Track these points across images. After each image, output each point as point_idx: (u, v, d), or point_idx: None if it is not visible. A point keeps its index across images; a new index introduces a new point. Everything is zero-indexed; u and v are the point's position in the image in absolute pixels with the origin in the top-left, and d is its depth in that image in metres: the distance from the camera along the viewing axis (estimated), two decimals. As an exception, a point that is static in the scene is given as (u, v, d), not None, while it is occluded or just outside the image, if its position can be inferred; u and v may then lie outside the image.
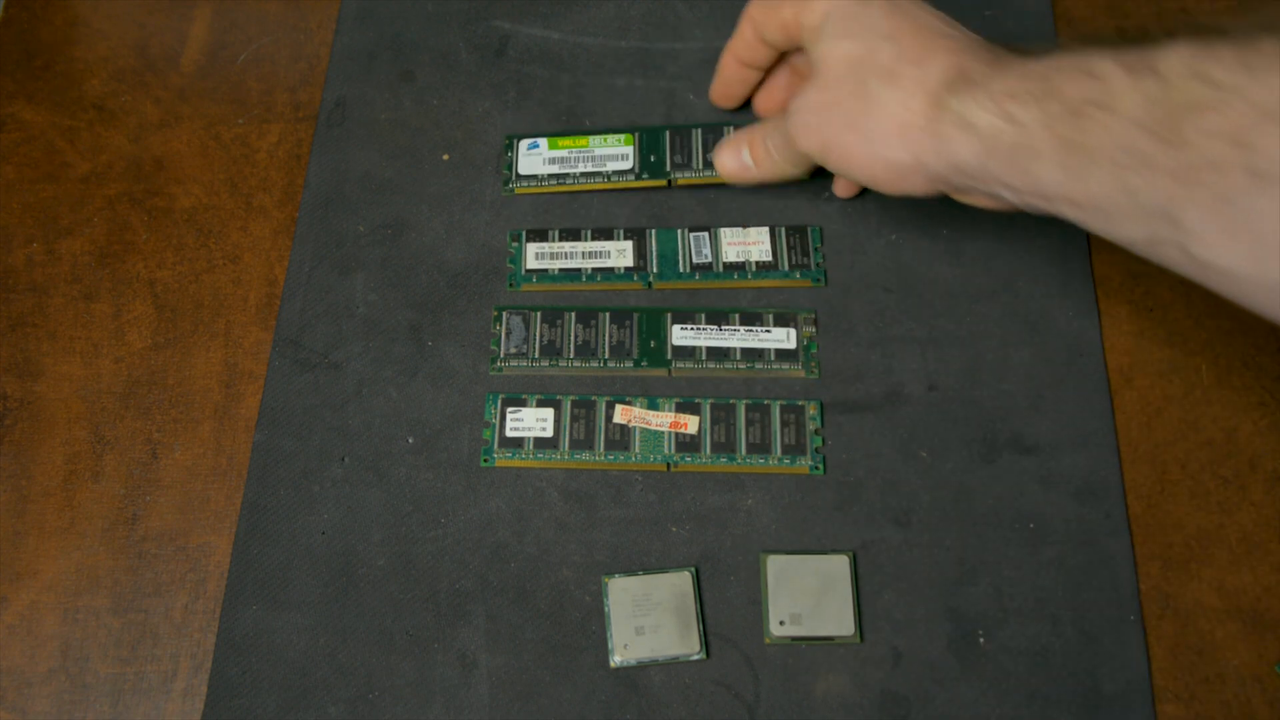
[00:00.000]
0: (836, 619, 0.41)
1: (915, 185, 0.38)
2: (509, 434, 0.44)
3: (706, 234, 0.47)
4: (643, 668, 0.40)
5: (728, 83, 0.48)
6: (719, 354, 0.45)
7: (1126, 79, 0.31)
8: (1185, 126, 0.29)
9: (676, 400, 0.44)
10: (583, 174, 0.48)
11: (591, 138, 0.49)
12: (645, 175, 0.48)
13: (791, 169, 0.44)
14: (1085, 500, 0.42)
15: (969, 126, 0.35)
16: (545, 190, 0.48)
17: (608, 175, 0.48)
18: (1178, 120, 0.29)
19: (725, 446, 0.43)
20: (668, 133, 0.49)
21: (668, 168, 0.48)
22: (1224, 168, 0.28)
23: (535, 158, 0.49)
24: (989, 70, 0.35)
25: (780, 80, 0.47)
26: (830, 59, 0.39)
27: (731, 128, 0.49)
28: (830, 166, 0.40)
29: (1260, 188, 0.27)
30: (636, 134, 0.49)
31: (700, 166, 0.48)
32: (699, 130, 0.49)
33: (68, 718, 0.40)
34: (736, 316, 0.46)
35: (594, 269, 0.47)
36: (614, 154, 0.49)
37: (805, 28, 0.41)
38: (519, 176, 0.48)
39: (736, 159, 0.45)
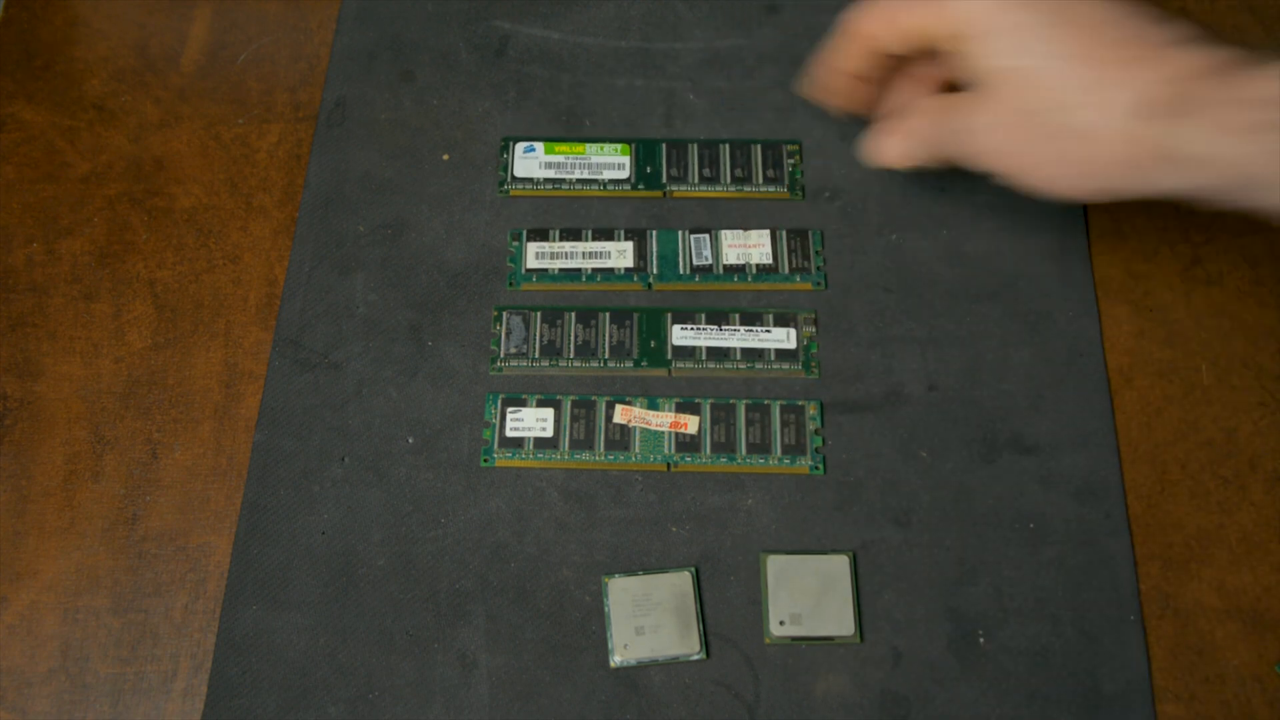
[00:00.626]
0: (836, 619, 0.41)
1: (1124, 197, 0.36)
2: (509, 434, 0.44)
3: (707, 236, 0.47)
4: (643, 668, 0.40)
5: (837, 94, 0.45)
6: (719, 354, 0.45)
7: None
8: None
9: (676, 400, 0.44)
10: (579, 180, 0.48)
11: (588, 145, 0.49)
12: (641, 186, 0.48)
13: (952, 161, 0.42)
14: (1085, 500, 0.42)
15: (1186, 160, 0.32)
16: (541, 194, 0.48)
17: (603, 184, 0.48)
18: None
19: (725, 446, 0.43)
20: (664, 145, 0.49)
21: (663, 180, 0.48)
22: None
23: (531, 161, 0.49)
24: (1207, 92, 0.32)
25: (904, 89, 0.45)
26: (1006, 79, 0.36)
27: (727, 145, 0.49)
28: (1023, 188, 0.38)
29: None
30: (633, 145, 0.49)
31: (696, 180, 0.48)
32: (695, 145, 0.49)
33: (68, 718, 0.40)
34: (736, 316, 0.46)
35: (594, 269, 0.47)
36: (610, 163, 0.49)
37: (951, 37, 0.37)
38: (514, 179, 0.48)
39: (902, 146, 0.43)
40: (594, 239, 0.47)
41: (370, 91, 0.51)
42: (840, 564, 0.41)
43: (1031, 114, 0.36)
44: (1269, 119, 0.30)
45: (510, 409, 0.44)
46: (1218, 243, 0.47)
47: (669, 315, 0.46)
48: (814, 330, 0.45)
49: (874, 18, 0.41)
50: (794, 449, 0.43)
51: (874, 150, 0.44)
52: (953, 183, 0.48)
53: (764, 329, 0.45)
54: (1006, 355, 0.45)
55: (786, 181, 0.48)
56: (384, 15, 0.52)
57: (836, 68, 0.44)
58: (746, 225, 0.48)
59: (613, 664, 0.40)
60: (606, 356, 0.45)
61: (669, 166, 0.49)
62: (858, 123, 0.50)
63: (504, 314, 0.46)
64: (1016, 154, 0.37)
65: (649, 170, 0.49)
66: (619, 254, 0.47)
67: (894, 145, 0.43)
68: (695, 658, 0.40)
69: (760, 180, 0.48)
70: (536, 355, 0.45)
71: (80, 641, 0.41)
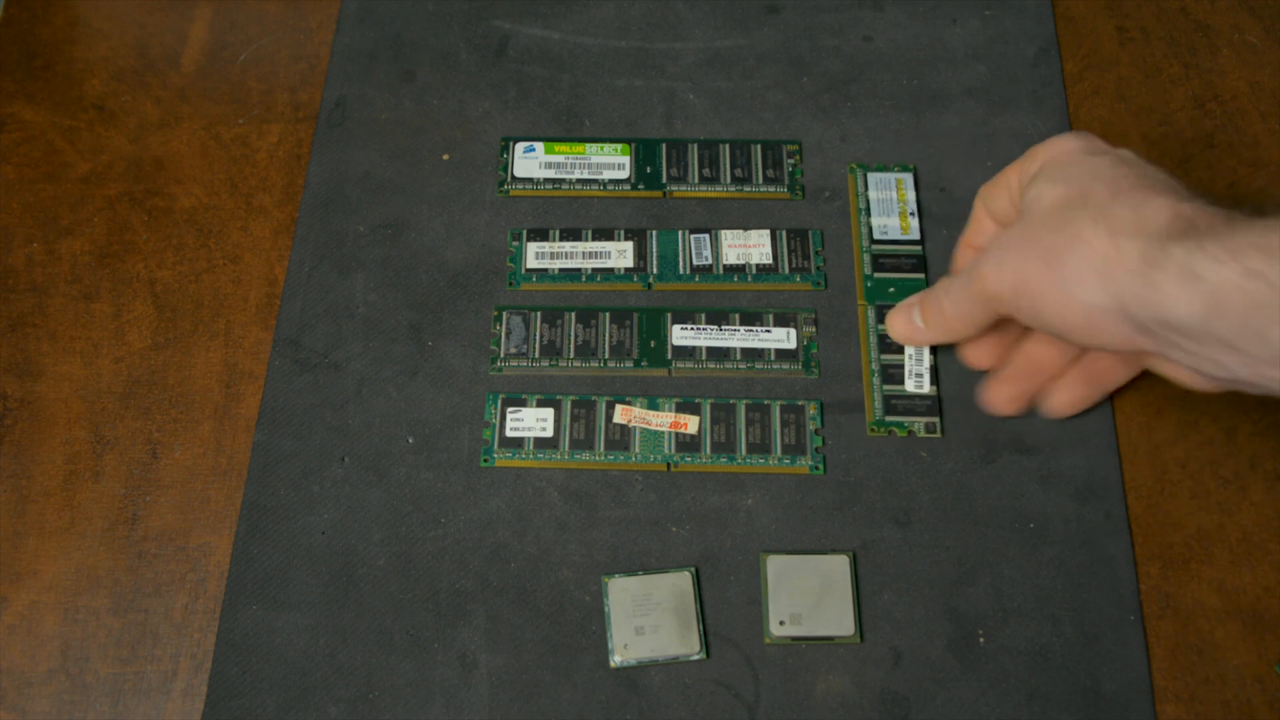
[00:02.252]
0: (836, 619, 0.41)
1: (1113, 337, 0.35)
2: (509, 434, 0.44)
3: (707, 236, 0.47)
4: (643, 668, 0.40)
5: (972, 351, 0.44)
6: (719, 354, 0.45)
7: None
8: None
9: (676, 400, 0.44)
10: (579, 180, 0.48)
11: (588, 145, 0.49)
12: (641, 186, 0.48)
13: (963, 327, 0.41)
14: (1085, 500, 0.42)
15: (1193, 278, 0.31)
16: (541, 194, 0.48)
17: (603, 184, 0.48)
18: None
19: (725, 446, 0.43)
20: (664, 145, 0.49)
21: (663, 179, 0.48)
22: None
23: (531, 161, 0.49)
24: (1224, 224, 0.32)
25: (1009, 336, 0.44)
26: (1040, 199, 0.36)
27: (727, 145, 0.49)
28: (1018, 311, 0.37)
29: None
30: (633, 145, 0.49)
31: (696, 180, 0.48)
32: (695, 145, 0.49)
33: (68, 718, 0.40)
34: (736, 316, 0.46)
35: (594, 269, 0.47)
36: (610, 163, 0.49)
37: (1025, 177, 0.39)
38: (514, 179, 0.48)
39: (908, 321, 0.43)
40: (594, 239, 0.47)
41: (370, 91, 0.51)
42: (840, 564, 0.41)
43: (1060, 222, 0.35)
44: (1261, 268, 0.30)
45: (510, 409, 0.44)
46: (1218, 243, 0.47)
47: (669, 315, 0.46)
48: (814, 330, 0.45)
49: (988, 183, 0.42)
50: (794, 449, 0.43)
51: (889, 325, 0.44)
52: (952, 183, 0.48)
53: (764, 329, 0.45)
54: (1006, 355, 0.45)
55: (786, 181, 0.48)
56: (384, 15, 0.52)
57: (966, 242, 0.44)
58: (746, 225, 0.48)
59: (613, 664, 0.40)
60: (606, 356, 0.45)
61: (669, 166, 0.49)
62: (858, 123, 0.50)
63: (504, 314, 0.46)
64: (1018, 269, 0.36)
65: (649, 170, 0.49)
66: (619, 254, 0.47)
67: (901, 320, 0.44)
68: (695, 658, 0.40)
69: (760, 180, 0.48)
70: (536, 355, 0.45)
71: (80, 641, 0.41)
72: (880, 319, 0.45)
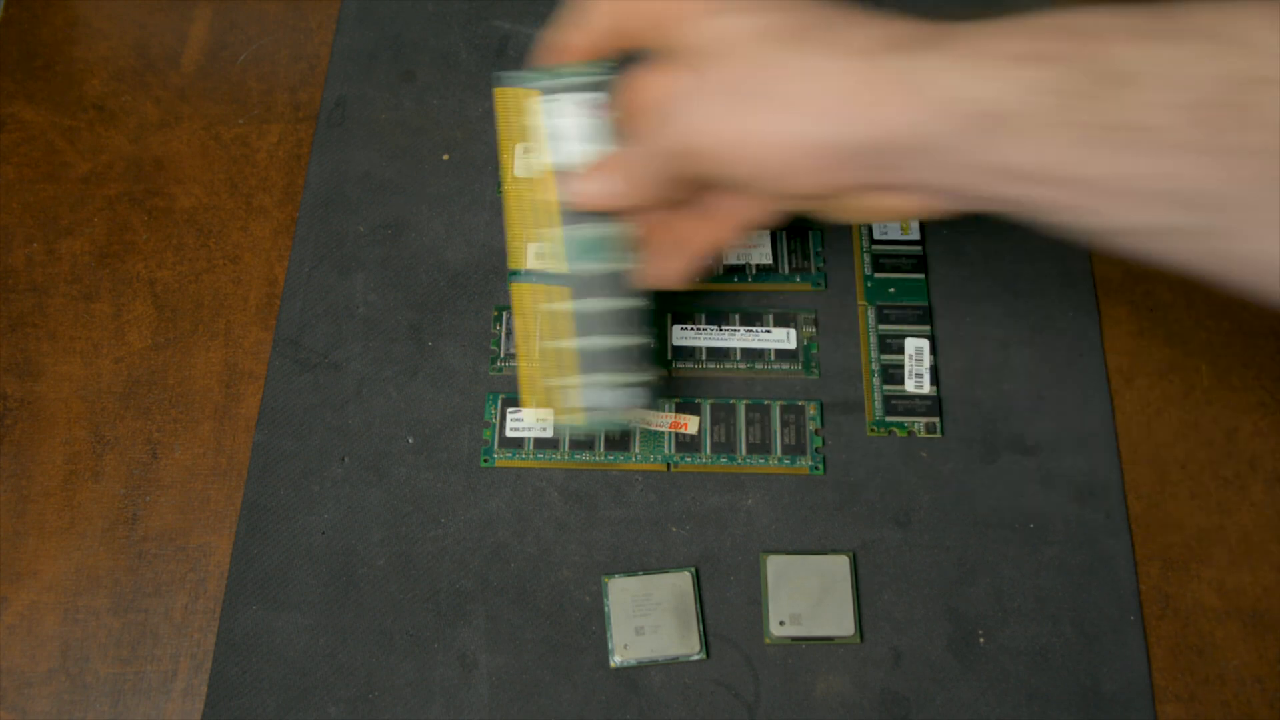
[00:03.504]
0: (836, 619, 0.41)
1: (831, 175, 0.31)
2: (509, 434, 0.44)
3: (706, 234, 0.47)
4: (643, 668, 0.40)
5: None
6: (719, 354, 0.45)
7: (1191, 44, 0.26)
8: (1266, 105, 0.25)
9: (676, 400, 0.44)
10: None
11: None
12: None
13: (672, 186, 0.34)
14: (1085, 500, 0.42)
15: (915, 90, 0.28)
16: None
17: None
18: (1251, 99, 0.25)
19: (725, 446, 0.43)
20: None
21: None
22: None
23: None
24: (945, 31, 0.29)
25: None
26: (724, 36, 0.32)
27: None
28: (714, 166, 0.32)
29: None
30: None
31: None
32: None
33: (68, 718, 0.40)
34: (736, 317, 0.46)
35: (594, 269, 0.47)
36: None
37: (677, 23, 0.33)
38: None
39: (602, 184, 0.36)
40: (594, 239, 0.47)
41: (370, 91, 0.51)
42: (840, 564, 0.41)
43: (741, 66, 0.31)
44: (1042, 49, 0.27)
45: (510, 409, 0.44)
46: (1218, 243, 0.47)
47: (669, 315, 0.46)
48: (814, 330, 0.45)
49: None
50: (794, 449, 0.43)
51: (581, 188, 0.36)
52: (953, 183, 0.48)
53: (764, 329, 0.45)
54: (1006, 355, 0.45)
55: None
56: (384, 15, 0.52)
57: (562, 43, 0.37)
58: (746, 225, 0.48)
59: (613, 664, 0.40)
60: (606, 356, 0.45)
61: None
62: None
63: (504, 314, 0.46)
64: (717, 117, 0.31)
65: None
66: (619, 254, 0.47)
67: (590, 187, 0.36)
68: (695, 658, 0.40)
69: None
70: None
71: (80, 641, 0.41)
72: (880, 319, 0.45)
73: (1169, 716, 0.40)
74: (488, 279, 0.47)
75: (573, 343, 0.36)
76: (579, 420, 0.37)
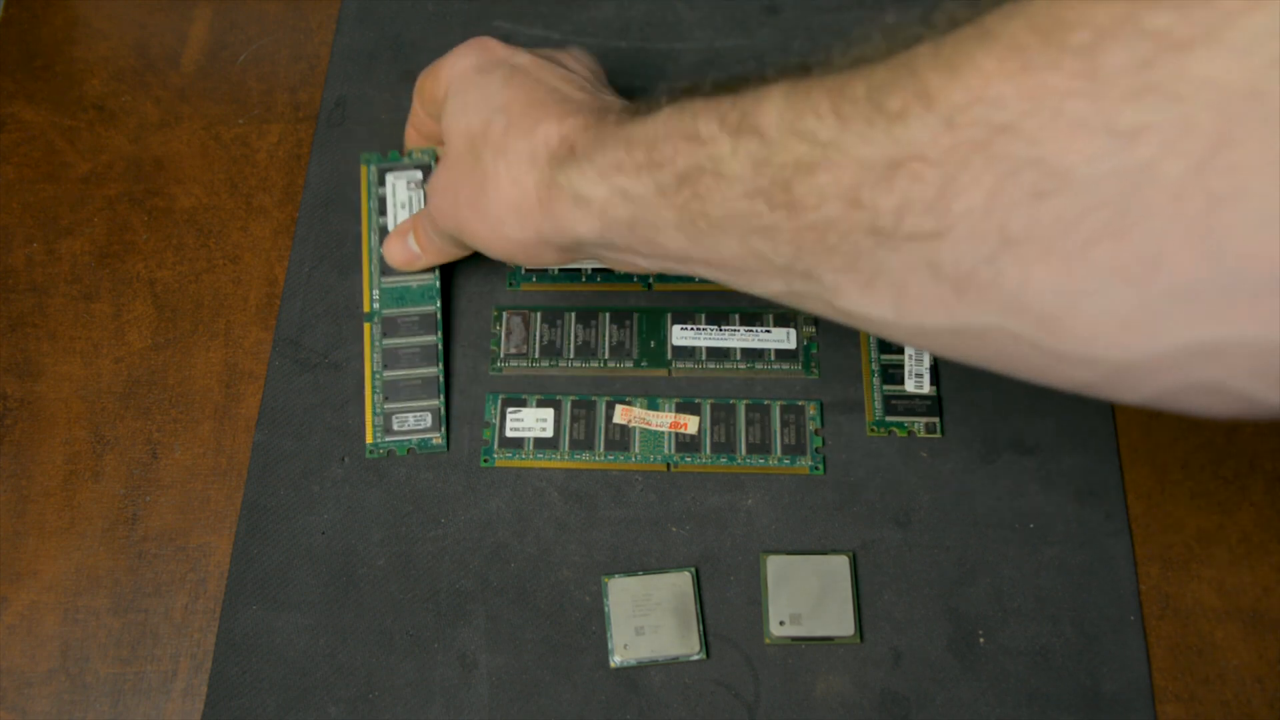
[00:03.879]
0: (836, 619, 0.41)
1: (547, 258, 0.36)
2: (509, 434, 0.44)
3: (706, 234, 0.47)
4: (643, 668, 0.40)
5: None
6: (719, 354, 0.45)
7: (730, 141, 0.29)
8: (797, 189, 0.27)
9: (676, 400, 0.44)
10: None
11: None
12: None
13: (455, 249, 0.43)
14: (1085, 500, 0.42)
15: (581, 201, 0.33)
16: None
17: None
18: (788, 183, 0.27)
19: (725, 446, 0.43)
20: None
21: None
22: (845, 229, 0.26)
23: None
24: (595, 139, 0.33)
25: None
26: (451, 135, 0.38)
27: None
28: (468, 242, 0.39)
29: (886, 244, 0.26)
30: None
31: None
32: None
33: (68, 718, 0.40)
34: (736, 317, 0.46)
35: (594, 269, 0.47)
36: None
37: (436, 101, 0.40)
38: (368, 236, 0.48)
39: (404, 247, 0.44)
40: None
41: (370, 91, 0.51)
42: (840, 564, 0.41)
43: (472, 162, 0.37)
44: (636, 159, 0.31)
45: (510, 409, 0.44)
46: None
47: (669, 315, 0.46)
48: (814, 330, 0.45)
49: (422, 74, 0.43)
50: (794, 449, 0.43)
51: (386, 252, 0.45)
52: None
53: (764, 329, 0.45)
54: (1006, 355, 0.45)
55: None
56: (384, 15, 0.52)
57: (411, 124, 0.46)
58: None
59: (613, 664, 0.40)
60: (606, 356, 0.45)
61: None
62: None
63: (504, 314, 0.46)
64: (453, 211, 0.38)
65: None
66: (619, 254, 0.47)
67: (395, 248, 0.45)
68: (695, 658, 0.40)
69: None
70: (536, 355, 0.45)
71: (80, 641, 0.41)
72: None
73: (1169, 716, 0.40)
74: (488, 279, 0.47)
75: (383, 374, 0.44)
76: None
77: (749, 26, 0.52)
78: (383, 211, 0.46)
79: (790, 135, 0.27)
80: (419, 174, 0.46)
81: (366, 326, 0.45)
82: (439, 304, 0.45)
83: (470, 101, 0.37)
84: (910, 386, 0.44)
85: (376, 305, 0.45)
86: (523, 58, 0.38)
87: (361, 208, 0.47)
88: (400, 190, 0.46)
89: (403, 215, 0.46)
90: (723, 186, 0.29)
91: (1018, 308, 0.24)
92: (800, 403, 0.44)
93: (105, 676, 0.40)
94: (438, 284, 0.45)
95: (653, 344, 0.45)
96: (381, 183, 0.46)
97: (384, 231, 0.46)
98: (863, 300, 0.27)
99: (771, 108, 0.28)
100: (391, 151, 0.47)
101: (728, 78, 0.30)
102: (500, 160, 0.35)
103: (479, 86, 0.37)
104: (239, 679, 0.40)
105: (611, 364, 0.45)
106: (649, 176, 0.31)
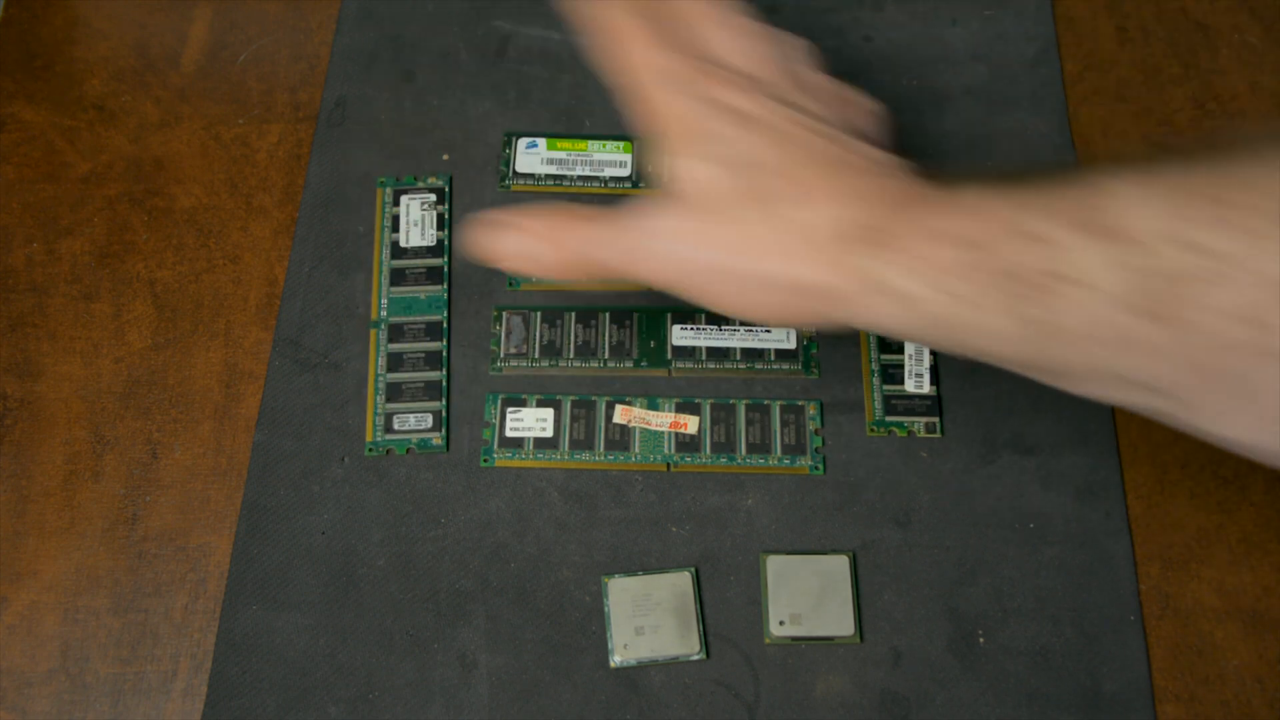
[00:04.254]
0: (836, 619, 0.41)
1: (804, 323, 0.34)
2: (509, 434, 0.44)
3: (706, 234, 0.47)
4: (643, 668, 0.40)
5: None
6: (719, 354, 0.45)
7: (1091, 245, 0.26)
8: (1180, 303, 0.25)
9: (676, 400, 0.44)
10: (580, 177, 0.48)
11: (591, 142, 0.49)
12: (642, 185, 0.48)
13: (597, 274, 0.36)
14: (1085, 500, 0.42)
15: (888, 291, 0.30)
16: (542, 190, 0.48)
17: (604, 181, 0.48)
18: (1170, 296, 0.25)
19: (725, 446, 0.43)
20: None
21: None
22: (1234, 348, 0.24)
23: (534, 157, 0.49)
24: (901, 224, 0.30)
25: None
26: (694, 180, 0.33)
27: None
28: (691, 297, 0.34)
29: (1270, 364, 0.24)
30: (635, 143, 0.49)
31: None
32: None
33: (68, 718, 0.40)
34: (736, 316, 0.46)
35: (594, 269, 0.47)
36: (612, 160, 0.49)
37: (652, 134, 0.35)
38: (516, 174, 0.48)
39: (519, 246, 0.35)
40: (594, 239, 0.47)
41: (370, 91, 0.51)
42: (840, 564, 0.41)
43: (709, 221, 0.32)
44: (964, 258, 0.28)
45: (510, 409, 0.44)
46: (1218, 243, 0.47)
47: (669, 315, 0.46)
48: (814, 330, 0.45)
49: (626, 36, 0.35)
50: (794, 449, 0.43)
51: (486, 245, 0.36)
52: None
53: (764, 329, 0.45)
54: (1006, 355, 0.45)
55: (786, 181, 0.48)
56: (384, 15, 0.52)
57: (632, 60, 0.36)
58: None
59: (613, 664, 0.40)
60: (606, 356, 0.45)
61: (669, 166, 0.49)
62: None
63: (504, 314, 0.46)
64: (686, 261, 0.33)
65: (650, 168, 0.48)
66: (619, 254, 0.47)
67: (518, 244, 0.36)
68: (695, 658, 0.40)
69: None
70: (536, 355, 0.45)
71: (80, 641, 0.41)
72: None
73: (1169, 716, 0.40)
74: (488, 279, 0.47)
75: (386, 377, 0.44)
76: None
77: (749, 26, 0.52)
78: (395, 229, 0.47)
79: (1170, 243, 0.25)
80: (432, 196, 0.48)
81: (373, 333, 0.45)
82: (446, 314, 0.45)
83: (718, 152, 0.33)
84: (910, 386, 0.44)
85: (384, 314, 0.45)
86: (768, 108, 0.33)
87: (375, 225, 0.47)
88: (414, 210, 0.47)
89: (415, 233, 0.47)
90: (1081, 295, 0.26)
91: None
92: (800, 403, 0.44)
93: (105, 676, 0.40)
94: (446, 295, 0.46)
95: (653, 344, 0.45)
96: (396, 203, 0.48)
97: (395, 247, 0.47)
98: (1224, 422, 0.26)
99: (1141, 210, 0.25)
100: (407, 176, 0.48)
101: (1019, 166, 0.28)
102: (766, 227, 0.31)
103: (726, 138, 0.33)
104: (239, 679, 0.40)
105: (611, 364, 0.45)
106: (981, 278, 0.28)
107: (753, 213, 0.32)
